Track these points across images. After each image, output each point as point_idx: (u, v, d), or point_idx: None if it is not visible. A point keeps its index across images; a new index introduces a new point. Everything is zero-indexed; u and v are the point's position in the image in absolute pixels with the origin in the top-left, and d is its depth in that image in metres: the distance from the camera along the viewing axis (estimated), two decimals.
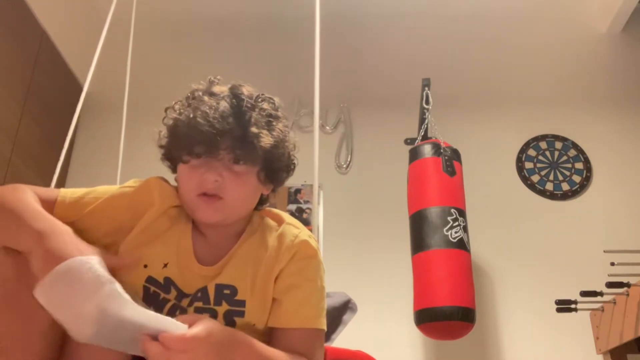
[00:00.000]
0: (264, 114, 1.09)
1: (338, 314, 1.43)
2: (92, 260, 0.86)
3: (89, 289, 0.84)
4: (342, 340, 1.46)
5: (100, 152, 3.29)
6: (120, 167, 2.39)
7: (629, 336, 2.29)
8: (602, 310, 2.58)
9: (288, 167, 1.16)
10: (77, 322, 0.87)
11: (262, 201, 1.18)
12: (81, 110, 2.14)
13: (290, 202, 3.24)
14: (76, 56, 3.32)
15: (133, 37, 2.54)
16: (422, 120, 2.86)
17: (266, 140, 1.06)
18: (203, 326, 0.90)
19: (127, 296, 0.86)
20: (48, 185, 1.98)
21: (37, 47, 3.05)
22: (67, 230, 0.93)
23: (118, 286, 0.86)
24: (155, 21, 3.48)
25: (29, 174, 2.93)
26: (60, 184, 3.21)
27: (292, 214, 3.19)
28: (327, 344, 1.31)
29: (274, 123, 1.10)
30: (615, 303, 2.45)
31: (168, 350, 0.85)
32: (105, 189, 1.10)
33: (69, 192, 1.08)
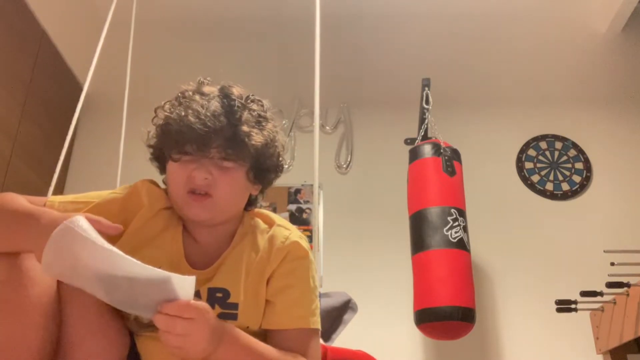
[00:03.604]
0: (254, 114, 1.10)
1: (338, 314, 1.43)
2: (79, 221, 0.85)
3: (82, 255, 0.84)
4: (343, 339, 1.46)
5: (101, 151, 3.29)
6: (121, 166, 2.39)
7: (629, 336, 2.29)
8: (602, 310, 2.58)
9: (277, 168, 1.16)
10: (87, 288, 0.88)
11: (252, 202, 1.18)
12: (81, 110, 2.15)
13: (290, 202, 3.24)
14: (76, 56, 3.32)
15: (133, 37, 2.54)
16: (422, 120, 2.86)
17: (257, 138, 1.07)
18: (204, 304, 0.93)
19: (122, 254, 0.85)
20: (48, 184, 1.98)
21: (37, 47, 3.05)
22: (55, 214, 0.93)
23: (107, 245, 0.85)
24: (155, 21, 3.47)
25: (29, 174, 2.93)
26: (60, 184, 3.21)
27: (292, 214, 3.20)
28: (327, 344, 1.31)
29: (264, 123, 1.11)
30: (615, 303, 2.45)
31: (173, 318, 0.87)
32: (96, 194, 1.10)
33: (57, 198, 1.09)
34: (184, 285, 0.88)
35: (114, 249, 0.85)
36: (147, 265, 0.86)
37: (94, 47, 2.21)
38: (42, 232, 0.87)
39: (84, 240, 0.84)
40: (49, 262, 0.84)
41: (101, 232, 0.91)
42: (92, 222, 0.89)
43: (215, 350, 0.93)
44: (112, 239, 1.05)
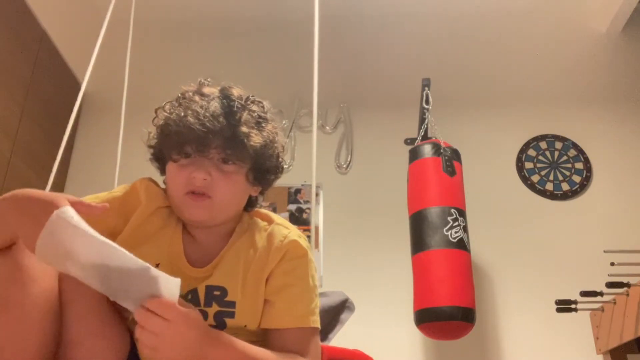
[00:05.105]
0: (254, 114, 1.10)
1: (335, 313, 1.43)
2: (68, 211, 0.84)
3: (75, 245, 0.84)
4: (343, 340, 1.46)
5: (101, 151, 3.29)
6: (119, 166, 2.39)
7: (629, 336, 2.29)
8: (602, 310, 2.58)
9: (277, 169, 1.16)
10: (81, 276, 0.87)
11: (251, 203, 1.18)
12: (81, 110, 2.15)
13: (290, 202, 3.24)
14: (76, 56, 3.32)
15: (132, 37, 2.54)
16: (422, 120, 2.86)
17: (256, 139, 1.07)
18: (191, 309, 0.91)
19: (113, 244, 0.85)
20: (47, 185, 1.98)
21: (37, 47, 3.05)
22: (30, 190, 0.91)
23: (99, 235, 0.85)
24: (154, 21, 3.48)
25: (29, 174, 2.93)
26: (60, 183, 3.21)
27: (292, 214, 3.20)
28: (324, 343, 1.31)
29: (263, 124, 1.11)
30: (615, 303, 2.45)
31: (151, 314, 0.86)
32: (94, 196, 1.11)
33: None
34: (169, 285, 0.88)
35: (105, 239, 0.85)
36: (137, 258, 0.86)
37: (94, 47, 2.21)
38: (21, 209, 0.86)
39: (75, 230, 0.84)
40: (43, 252, 0.84)
41: (88, 214, 0.91)
42: (76, 204, 0.88)
43: (202, 358, 0.92)
44: (114, 238, 1.05)
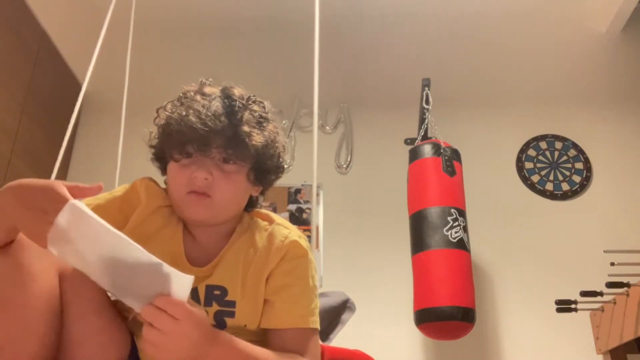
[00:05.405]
0: (255, 114, 1.10)
1: (336, 314, 1.43)
2: (78, 202, 0.84)
3: (87, 236, 0.83)
4: (343, 340, 1.46)
5: (101, 151, 3.28)
6: (120, 166, 2.39)
7: (629, 336, 2.29)
8: (602, 310, 2.58)
9: (277, 169, 1.17)
10: (89, 270, 0.87)
11: (252, 203, 1.18)
12: (81, 110, 2.15)
13: (290, 202, 3.24)
14: (76, 56, 3.32)
15: (132, 37, 2.54)
16: (422, 120, 2.86)
17: (257, 139, 1.07)
18: (198, 309, 0.91)
19: (125, 237, 0.85)
20: None
21: (37, 47, 3.05)
22: (25, 180, 0.90)
23: (112, 228, 0.85)
24: (154, 21, 3.47)
25: (29, 174, 2.93)
26: None
27: (292, 214, 3.20)
28: (325, 343, 1.31)
29: (264, 124, 1.12)
30: (615, 303, 2.45)
31: (160, 311, 0.85)
32: (94, 197, 1.10)
33: None
34: (180, 282, 0.87)
35: (119, 232, 0.85)
36: (150, 254, 0.86)
37: (94, 47, 2.21)
38: (23, 201, 0.85)
39: (90, 220, 0.83)
40: (54, 242, 0.83)
41: (84, 195, 0.90)
42: (72, 188, 0.87)
43: (202, 357, 0.92)
44: None
